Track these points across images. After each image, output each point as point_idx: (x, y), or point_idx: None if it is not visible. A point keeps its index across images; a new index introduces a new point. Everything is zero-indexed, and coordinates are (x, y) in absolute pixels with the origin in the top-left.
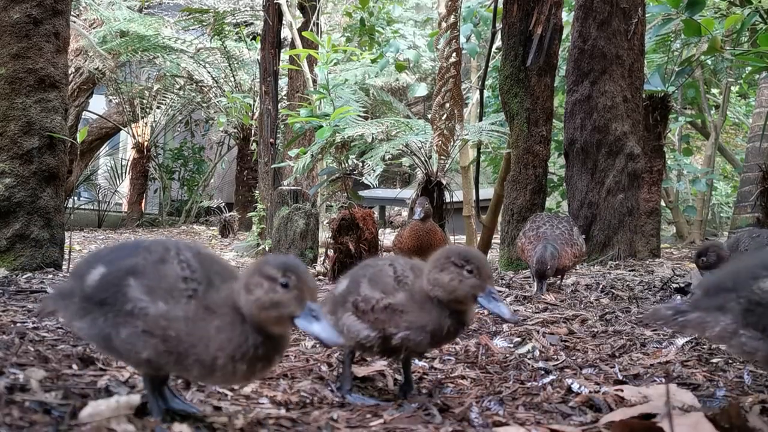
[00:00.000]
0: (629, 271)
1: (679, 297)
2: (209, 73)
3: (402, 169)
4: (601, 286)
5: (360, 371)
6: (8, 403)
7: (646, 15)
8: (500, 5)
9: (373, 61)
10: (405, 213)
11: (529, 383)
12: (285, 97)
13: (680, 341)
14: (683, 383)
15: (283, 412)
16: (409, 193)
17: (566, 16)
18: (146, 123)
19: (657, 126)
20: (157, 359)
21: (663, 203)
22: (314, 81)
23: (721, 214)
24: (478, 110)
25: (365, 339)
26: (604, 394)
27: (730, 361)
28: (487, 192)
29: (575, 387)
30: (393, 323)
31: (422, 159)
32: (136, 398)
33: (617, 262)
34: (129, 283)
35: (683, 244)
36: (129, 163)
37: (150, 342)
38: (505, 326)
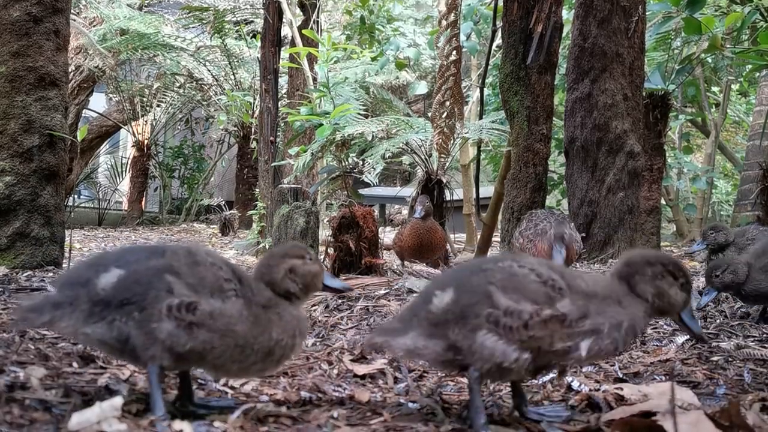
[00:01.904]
0: None
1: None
2: (209, 71)
3: (402, 167)
4: None
5: (360, 369)
6: (9, 401)
7: (647, 13)
8: (500, 3)
9: (374, 59)
10: (405, 211)
11: (529, 381)
12: (285, 96)
13: (680, 339)
14: (683, 381)
15: (283, 410)
16: (409, 191)
17: (566, 14)
18: (146, 121)
19: (657, 124)
20: (200, 350)
21: (663, 201)
22: (314, 79)
23: (722, 213)
24: (479, 108)
25: (512, 362)
26: (604, 392)
27: (730, 359)
28: (488, 190)
29: (575, 385)
30: (560, 336)
31: (422, 157)
32: (118, 400)
33: (617, 261)
34: (170, 280)
35: (683, 242)
36: (129, 162)
37: (199, 334)
38: None
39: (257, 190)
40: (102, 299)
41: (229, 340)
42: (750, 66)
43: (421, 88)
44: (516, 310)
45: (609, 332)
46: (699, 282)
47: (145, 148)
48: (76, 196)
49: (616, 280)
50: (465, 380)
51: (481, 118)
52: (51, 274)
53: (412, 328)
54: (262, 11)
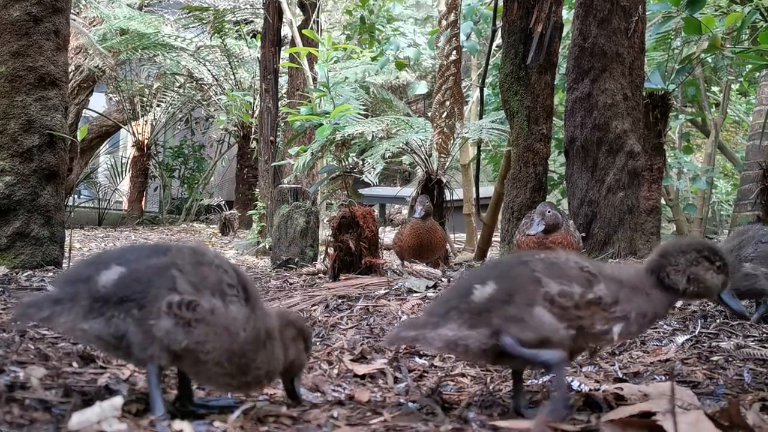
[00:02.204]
0: None
1: None
2: (209, 71)
3: (402, 167)
4: None
5: (360, 369)
6: (9, 401)
7: (647, 13)
8: (500, 3)
9: (373, 59)
10: (405, 211)
11: (529, 381)
12: (285, 95)
13: (680, 339)
14: (683, 381)
15: (283, 409)
16: (409, 191)
17: (566, 14)
18: (146, 121)
19: (657, 124)
20: (195, 348)
21: (663, 201)
22: (314, 79)
23: (722, 212)
24: (479, 108)
25: (561, 337)
26: (604, 392)
27: (730, 359)
28: (488, 190)
29: (575, 385)
30: (600, 318)
31: (422, 157)
32: (118, 400)
33: (617, 260)
34: (174, 275)
35: None
36: (129, 161)
37: (196, 330)
38: None
39: (257, 189)
40: (102, 296)
41: (226, 341)
42: (750, 66)
43: (421, 87)
44: (569, 291)
45: (636, 319)
46: None
47: (145, 148)
48: (76, 196)
49: (646, 273)
50: (465, 380)
51: (481, 117)
52: (51, 274)
53: (451, 320)
54: (262, 11)
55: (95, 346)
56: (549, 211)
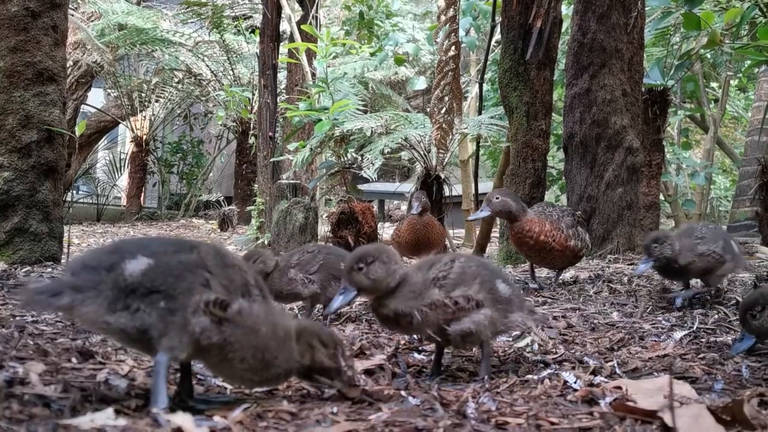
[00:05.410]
0: (628, 264)
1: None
2: (208, 66)
3: (401, 162)
4: (600, 280)
5: (360, 365)
6: (8, 396)
7: (646, 8)
8: None
9: (372, 54)
10: (404, 207)
11: (528, 376)
12: (284, 91)
13: (678, 334)
14: (681, 377)
15: (283, 405)
16: (408, 186)
17: (566, 10)
18: (145, 116)
19: (656, 120)
20: (224, 346)
21: (662, 197)
22: (313, 74)
23: (720, 208)
24: (478, 104)
25: None
26: (603, 387)
27: (728, 355)
28: (487, 186)
29: (573, 381)
30: None
31: (421, 153)
32: (110, 411)
33: (616, 256)
34: (206, 276)
35: None
36: (128, 157)
37: (226, 329)
38: None
39: (256, 185)
40: (128, 286)
41: (252, 338)
42: (749, 61)
43: (420, 83)
44: None
45: None
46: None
47: (144, 144)
48: (74, 192)
49: None
50: (463, 375)
51: (480, 113)
52: (49, 270)
53: None
54: (260, 6)
55: (114, 337)
56: (496, 198)
